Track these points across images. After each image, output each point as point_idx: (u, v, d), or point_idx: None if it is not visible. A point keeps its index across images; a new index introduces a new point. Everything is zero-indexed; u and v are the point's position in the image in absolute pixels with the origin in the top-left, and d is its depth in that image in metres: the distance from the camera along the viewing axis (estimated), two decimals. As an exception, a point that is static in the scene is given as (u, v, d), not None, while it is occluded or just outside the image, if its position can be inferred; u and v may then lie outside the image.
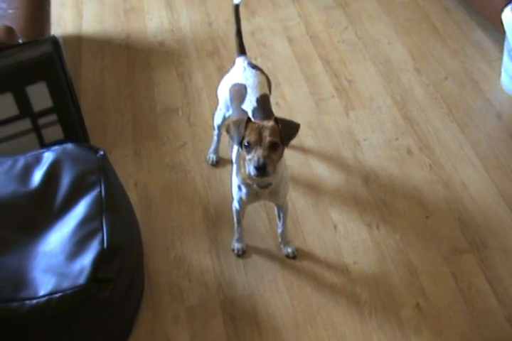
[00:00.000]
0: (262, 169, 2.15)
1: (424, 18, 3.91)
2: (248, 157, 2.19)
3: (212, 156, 3.09)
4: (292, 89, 3.49)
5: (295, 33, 3.89)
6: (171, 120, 3.35)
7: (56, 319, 2.13)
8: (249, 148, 2.18)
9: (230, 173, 2.55)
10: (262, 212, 2.87)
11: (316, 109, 3.36)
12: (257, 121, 2.27)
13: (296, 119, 2.34)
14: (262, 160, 2.14)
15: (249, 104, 2.53)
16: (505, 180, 2.95)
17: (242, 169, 2.34)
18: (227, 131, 2.28)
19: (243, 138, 2.20)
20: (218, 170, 3.07)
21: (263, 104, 2.56)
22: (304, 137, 3.19)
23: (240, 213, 2.62)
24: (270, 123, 2.22)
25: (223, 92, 2.76)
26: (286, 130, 2.22)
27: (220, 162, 3.09)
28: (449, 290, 2.56)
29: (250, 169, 2.18)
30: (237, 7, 2.80)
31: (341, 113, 3.34)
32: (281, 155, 2.25)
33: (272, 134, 2.17)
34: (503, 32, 3.31)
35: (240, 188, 2.45)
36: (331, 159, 3.10)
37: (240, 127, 2.22)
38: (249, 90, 2.58)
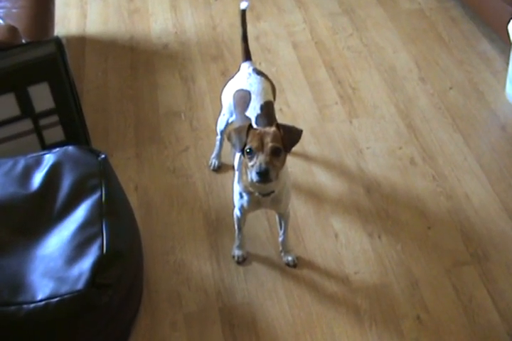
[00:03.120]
0: (264, 175, 2.12)
1: (431, 28, 3.90)
2: (250, 163, 2.17)
3: (214, 161, 3.07)
4: (296, 96, 3.47)
5: (300, 38, 3.87)
6: (173, 124, 3.33)
7: (53, 324, 2.10)
8: (251, 154, 2.17)
9: (232, 179, 2.52)
10: (263, 219, 2.85)
11: (320, 116, 3.34)
12: (258, 128, 2.26)
13: (299, 126, 2.32)
14: (264, 165, 2.12)
15: (252, 111, 2.51)
16: (509, 193, 2.92)
17: (244, 176, 2.32)
18: (229, 138, 2.26)
19: (245, 145, 2.19)
20: (220, 176, 3.05)
21: (267, 111, 2.53)
22: (306, 144, 3.17)
23: (241, 220, 2.59)
24: (272, 129, 2.20)
25: (227, 98, 2.74)
26: (289, 136, 2.20)
27: (222, 167, 3.07)
28: (450, 302, 2.54)
29: (253, 175, 2.16)
30: (243, 12, 2.78)
31: (344, 120, 3.32)
32: (283, 162, 2.23)
33: (274, 140, 2.16)
34: (509, 43, 3.30)
35: (241, 196, 2.42)
36: (334, 167, 3.07)
37: (242, 134, 2.20)
38: (253, 97, 2.56)
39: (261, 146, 2.15)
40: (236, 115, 2.63)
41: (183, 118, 3.36)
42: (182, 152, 3.18)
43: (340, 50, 3.77)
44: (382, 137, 3.22)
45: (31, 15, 3.16)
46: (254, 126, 2.34)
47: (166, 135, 3.27)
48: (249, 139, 2.18)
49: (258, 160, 2.14)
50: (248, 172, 2.23)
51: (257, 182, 2.16)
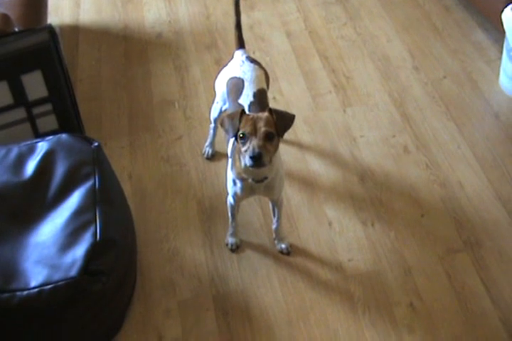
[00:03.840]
0: (257, 158, 2.13)
1: (424, 17, 3.89)
2: (244, 148, 2.17)
3: (208, 149, 3.07)
4: (289, 84, 3.47)
5: (294, 27, 3.86)
6: (167, 112, 3.33)
7: (47, 311, 2.11)
8: (244, 139, 2.17)
9: (226, 167, 2.52)
10: (256, 207, 2.85)
11: (313, 105, 3.34)
12: (251, 113, 2.27)
13: (292, 114, 2.33)
14: (257, 149, 2.12)
15: (246, 99, 2.51)
16: (502, 181, 2.93)
17: (238, 163, 2.32)
18: (222, 124, 2.27)
19: (238, 130, 2.19)
20: (213, 164, 3.05)
21: (260, 98, 2.54)
22: (300, 133, 3.17)
23: (235, 208, 2.60)
24: (265, 114, 2.21)
25: (221, 85, 2.73)
26: (281, 121, 2.21)
27: (216, 155, 3.07)
28: (443, 289, 2.55)
29: (246, 160, 2.16)
30: (237, 0, 2.77)
31: (338, 109, 3.32)
32: (276, 147, 2.23)
33: (267, 125, 2.16)
34: (502, 32, 3.29)
35: (234, 183, 2.43)
36: (328, 155, 3.08)
37: (235, 119, 2.21)
38: (246, 84, 2.56)
39: (254, 131, 2.15)
40: (229, 103, 2.63)
41: (176, 107, 3.36)
42: (176, 140, 3.18)
43: (333, 39, 3.77)
44: (376, 125, 3.23)
45: (24, 3, 3.15)
46: (247, 112, 2.34)
47: (159, 124, 3.27)
48: (242, 124, 2.18)
49: (251, 145, 2.14)
50: (241, 158, 2.23)
51: (251, 166, 2.16)
